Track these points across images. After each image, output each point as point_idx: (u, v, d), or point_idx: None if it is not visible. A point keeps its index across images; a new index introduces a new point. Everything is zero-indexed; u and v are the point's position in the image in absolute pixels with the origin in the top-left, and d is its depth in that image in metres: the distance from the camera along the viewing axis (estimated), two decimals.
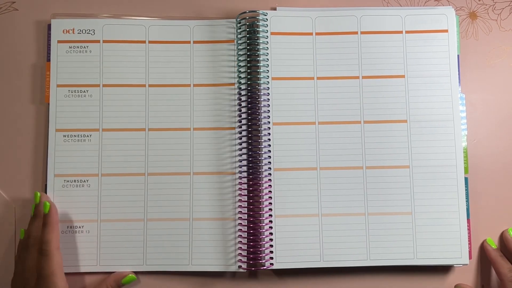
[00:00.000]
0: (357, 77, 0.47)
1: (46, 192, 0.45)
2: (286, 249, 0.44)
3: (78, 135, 0.46)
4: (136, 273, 0.45)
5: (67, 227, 0.45)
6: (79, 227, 0.45)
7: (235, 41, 0.47)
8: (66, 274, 0.44)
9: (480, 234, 0.47)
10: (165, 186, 0.45)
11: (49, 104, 0.46)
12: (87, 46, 0.47)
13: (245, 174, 0.45)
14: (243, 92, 0.46)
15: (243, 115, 0.46)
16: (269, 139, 0.46)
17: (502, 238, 0.47)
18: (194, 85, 0.47)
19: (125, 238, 0.45)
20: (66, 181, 0.45)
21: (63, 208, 0.45)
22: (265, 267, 0.44)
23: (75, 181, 0.45)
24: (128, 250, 0.45)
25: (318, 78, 0.47)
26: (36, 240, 0.41)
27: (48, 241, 0.41)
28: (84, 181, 0.45)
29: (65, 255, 0.44)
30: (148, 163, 0.46)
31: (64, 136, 0.46)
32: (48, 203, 0.42)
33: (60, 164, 0.45)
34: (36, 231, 0.42)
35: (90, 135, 0.46)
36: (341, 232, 0.45)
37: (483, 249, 0.47)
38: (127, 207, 0.45)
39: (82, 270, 0.44)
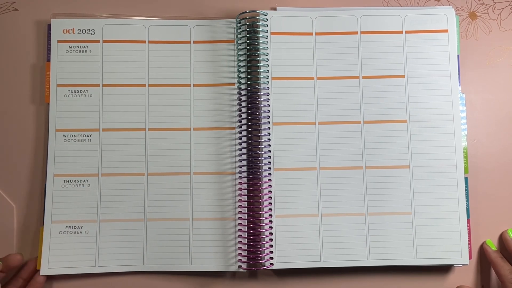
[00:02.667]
0: (357, 77, 0.47)
1: (45, 192, 0.45)
2: (286, 249, 0.44)
3: (78, 135, 0.46)
4: (136, 273, 0.45)
5: (66, 227, 0.45)
6: (78, 227, 0.45)
7: (235, 41, 0.47)
8: (65, 275, 0.44)
9: (480, 234, 0.47)
10: (165, 186, 0.45)
11: (49, 104, 0.46)
12: (87, 46, 0.47)
13: (245, 174, 0.45)
14: (243, 92, 0.46)
15: (243, 115, 0.46)
16: (269, 139, 0.46)
17: (502, 239, 0.47)
18: (194, 85, 0.47)
19: (125, 238, 0.45)
20: (66, 181, 0.45)
21: (63, 208, 0.45)
22: (265, 267, 0.44)
23: (74, 181, 0.45)
24: (128, 250, 0.45)
25: (318, 78, 0.47)
26: None
27: None
28: (84, 181, 0.45)
29: (64, 256, 0.44)
30: (148, 163, 0.46)
31: (64, 136, 0.46)
32: None
33: (60, 164, 0.45)
34: None
35: (90, 135, 0.46)
36: (341, 232, 0.45)
37: (483, 249, 0.47)
38: (127, 207, 0.45)
39: (81, 271, 0.44)
